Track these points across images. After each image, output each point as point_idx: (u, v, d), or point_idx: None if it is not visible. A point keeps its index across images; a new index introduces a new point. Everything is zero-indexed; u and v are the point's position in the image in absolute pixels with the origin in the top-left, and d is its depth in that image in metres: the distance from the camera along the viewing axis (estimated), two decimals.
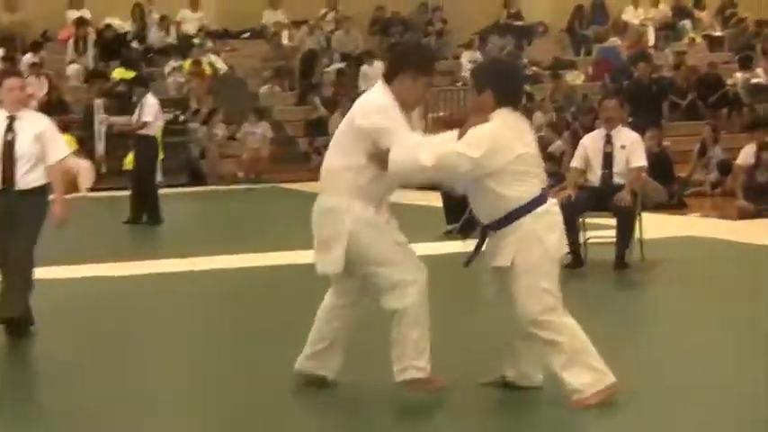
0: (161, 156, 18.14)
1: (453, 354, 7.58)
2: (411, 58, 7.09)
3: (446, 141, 6.78)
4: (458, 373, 7.28)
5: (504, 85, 6.94)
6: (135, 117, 17.42)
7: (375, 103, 6.89)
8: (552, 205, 6.92)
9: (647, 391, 7.15)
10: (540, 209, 6.78)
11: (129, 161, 21.43)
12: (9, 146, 8.93)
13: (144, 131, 17.14)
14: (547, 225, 6.78)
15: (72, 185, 22.80)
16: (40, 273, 10.22)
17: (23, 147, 8.95)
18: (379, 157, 6.73)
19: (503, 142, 6.71)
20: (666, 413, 6.71)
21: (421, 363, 6.87)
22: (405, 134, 6.75)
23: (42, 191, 9.11)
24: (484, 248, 6.96)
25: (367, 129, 6.79)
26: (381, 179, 6.87)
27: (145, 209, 17.11)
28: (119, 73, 25.59)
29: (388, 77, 6.99)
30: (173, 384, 7.86)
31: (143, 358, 8.64)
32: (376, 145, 6.76)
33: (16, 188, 8.95)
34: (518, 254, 6.70)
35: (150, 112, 17.11)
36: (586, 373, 6.73)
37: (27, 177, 8.97)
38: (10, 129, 8.96)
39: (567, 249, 7.04)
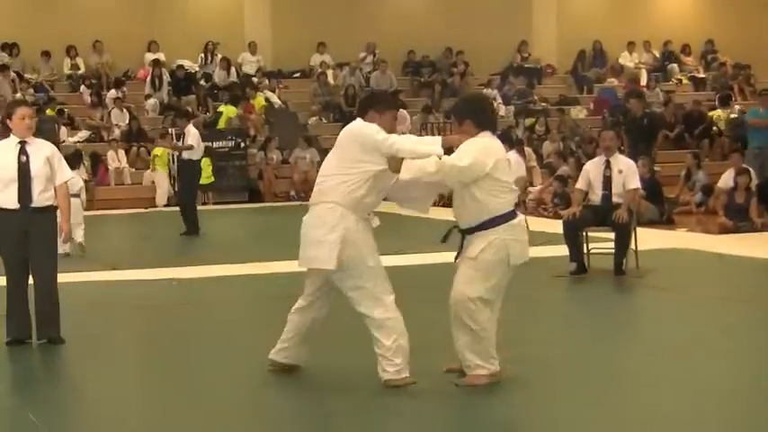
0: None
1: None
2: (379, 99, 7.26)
3: (431, 144, 6.87)
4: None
5: (481, 115, 7.03)
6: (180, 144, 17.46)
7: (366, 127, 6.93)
8: (522, 220, 6.99)
9: (645, 373, 7.13)
10: (512, 221, 6.87)
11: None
12: (25, 167, 8.54)
13: (187, 156, 16.97)
14: (514, 236, 6.87)
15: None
16: (120, 275, 10.07)
17: (36, 168, 8.54)
18: (394, 163, 6.75)
19: (482, 156, 6.78)
20: (660, 394, 6.68)
21: (397, 361, 6.80)
22: (400, 139, 6.86)
23: (53, 209, 8.72)
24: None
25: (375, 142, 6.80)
26: (374, 193, 6.88)
27: (185, 222, 16.88)
28: (225, 109, 25.71)
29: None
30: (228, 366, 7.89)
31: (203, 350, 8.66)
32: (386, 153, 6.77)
33: (32, 206, 8.51)
34: (484, 250, 6.77)
35: (192, 139, 17.03)
36: (479, 358, 6.82)
37: (42, 196, 8.56)
38: (23, 152, 8.57)
39: (527, 259, 7.00)
